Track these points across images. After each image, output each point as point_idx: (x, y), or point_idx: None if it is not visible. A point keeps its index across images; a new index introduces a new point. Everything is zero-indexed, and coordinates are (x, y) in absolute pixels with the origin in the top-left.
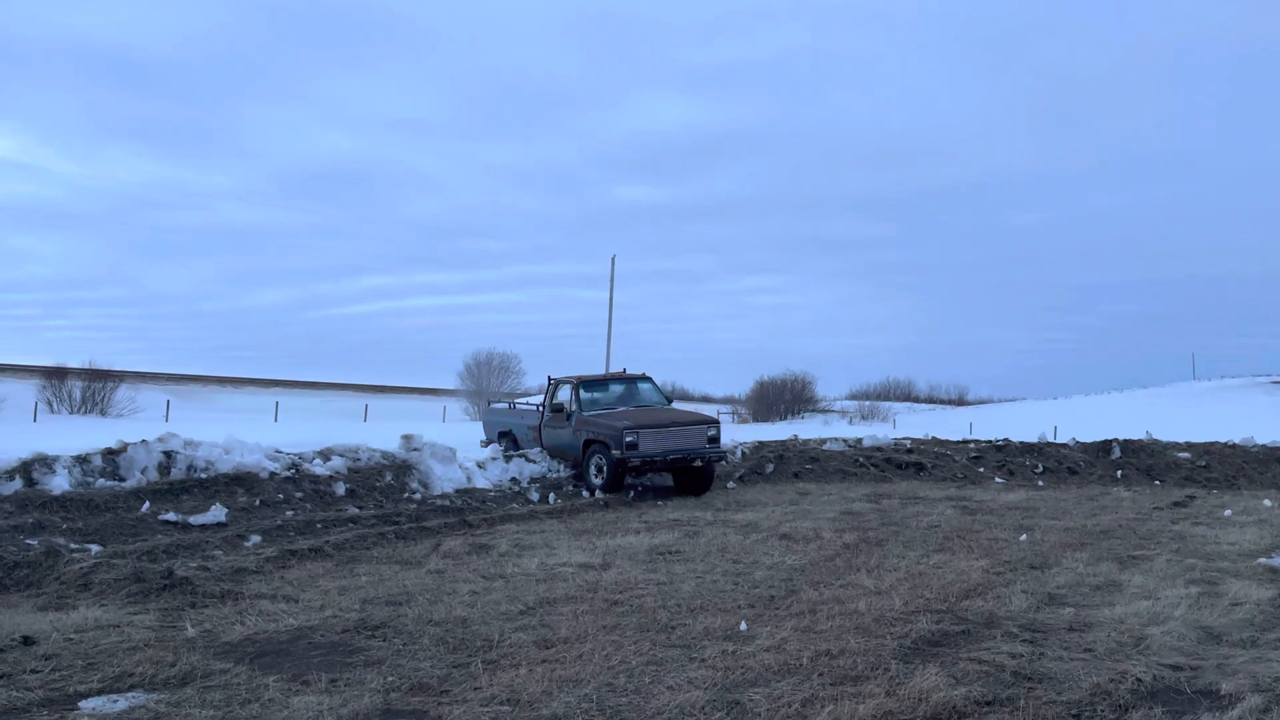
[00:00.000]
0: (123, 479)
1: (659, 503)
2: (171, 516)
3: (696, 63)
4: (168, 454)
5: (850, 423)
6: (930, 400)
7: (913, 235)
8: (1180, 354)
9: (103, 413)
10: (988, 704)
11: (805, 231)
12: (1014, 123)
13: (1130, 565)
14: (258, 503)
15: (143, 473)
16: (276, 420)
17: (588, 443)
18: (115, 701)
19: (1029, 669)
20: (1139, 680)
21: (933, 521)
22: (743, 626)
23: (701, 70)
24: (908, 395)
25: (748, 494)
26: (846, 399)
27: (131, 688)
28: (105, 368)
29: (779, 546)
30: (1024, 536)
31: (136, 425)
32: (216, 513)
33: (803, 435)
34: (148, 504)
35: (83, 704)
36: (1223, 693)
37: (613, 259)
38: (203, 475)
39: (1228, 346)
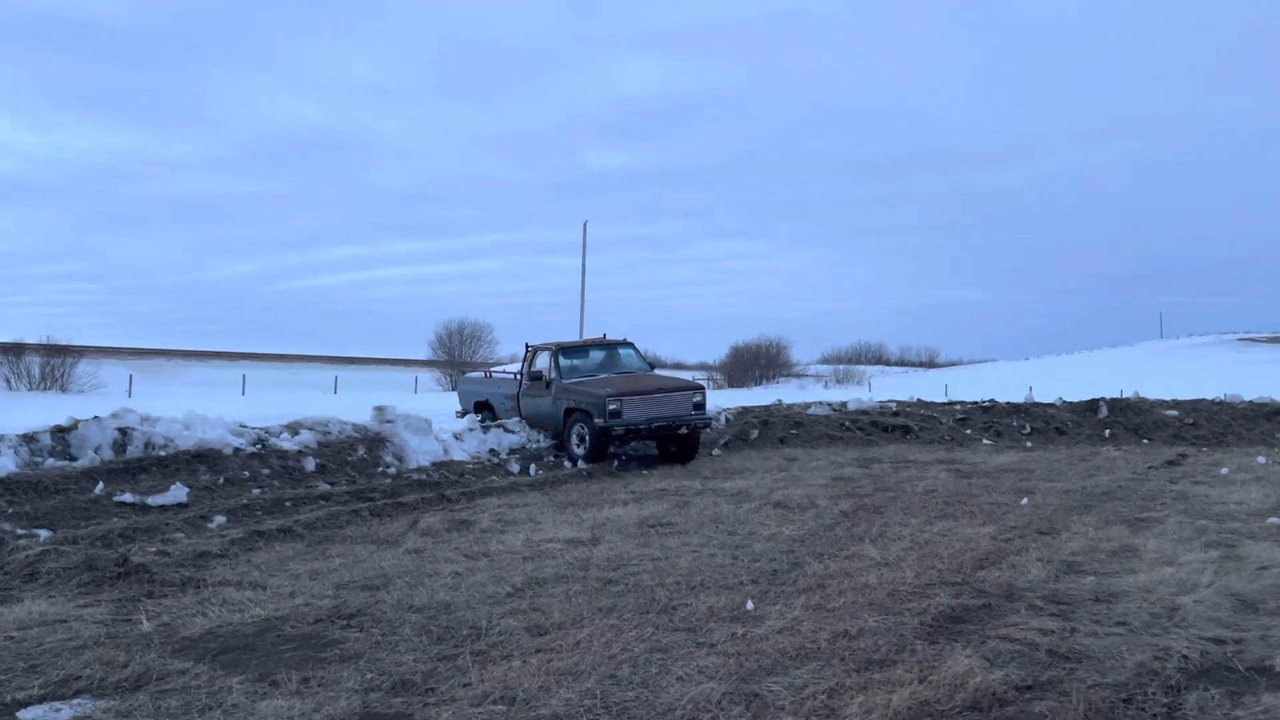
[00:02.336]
0: (74, 458)
1: (644, 472)
2: (128, 498)
3: (672, 24)
4: (123, 430)
5: (826, 386)
6: (902, 363)
7: (885, 198)
8: (1147, 313)
9: (62, 389)
10: (1029, 689)
11: (780, 195)
12: (987, 85)
13: (1141, 528)
14: (221, 481)
15: (96, 451)
16: (244, 394)
17: (569, 411)
18: (58, 710)
19: (1064, 647)
20: (1185, 658)
21: (928, 486)
22: (749, 605)
23: (677, 32)
24: (879, 359)
25: (734, 461)
26: (819, 363)
27: (78, 693)
28: (64, 342)
29: (774, 516)
30: (1025, 500)
31: (98, 401)
32: (177, 492)
33: (779, 400)
34: (102, 485)
35: (21, 714)
36: (1279, 669)
37: (584, 224)
38: (161, 453)
39: (1194, 305)
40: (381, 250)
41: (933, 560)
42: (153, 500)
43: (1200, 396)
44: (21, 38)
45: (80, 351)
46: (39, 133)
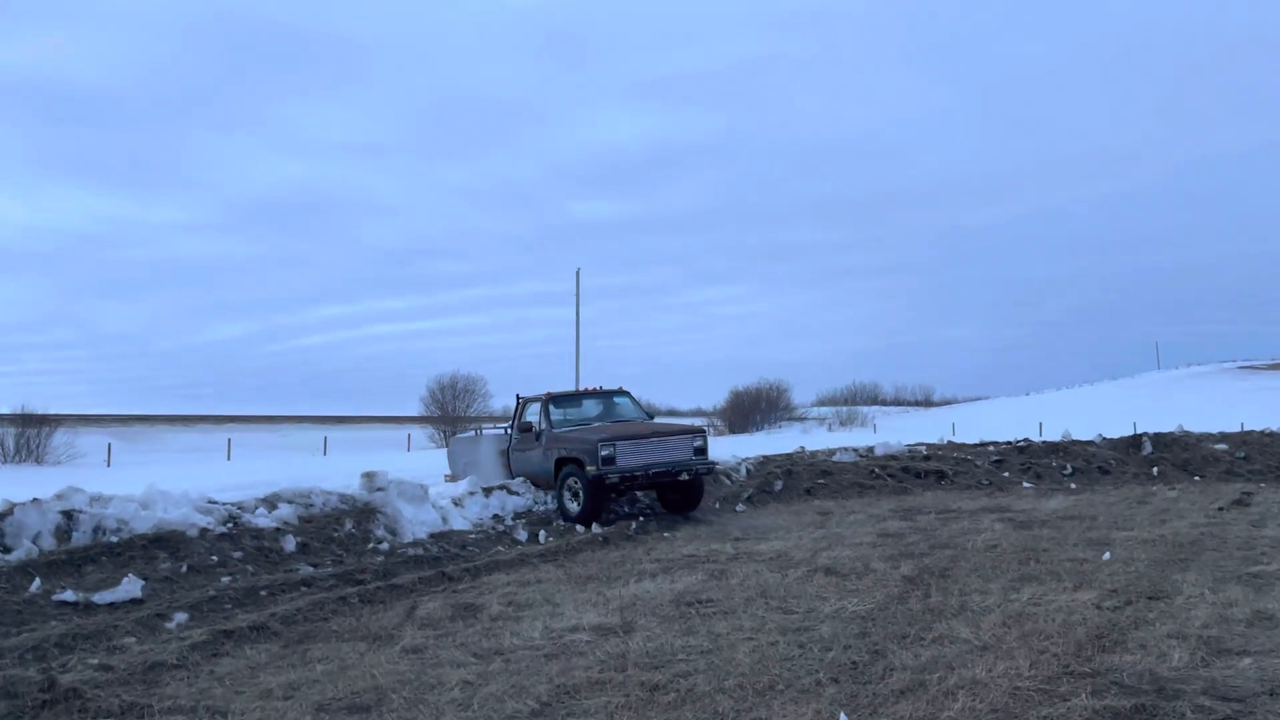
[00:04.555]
0: (9, 549)
1: (665, 535)
2: (69, 595)
3: (652, 75)
4: (67, 514)
5: (830, 430)
6: (898, 402)
7: (871, 238)
8: (1142, 344)
9: (38, 461)
10: None
11: (766, 239)
12: (967, 122)
13: (1262, 589)
14: (185, 569)
15: (34, 540)
16: (229, 459)
17: (560, 462)
18: None
19: None
20: None
21: (988, 540)
22: (842, 718)
23: (657, 82)
24: (875, 399)
25: (763, 517)
26: (816, 405)
27: None
28: (40, 412)
29: (829, 586)
30: (1107, 554)
31: (74, 473)
32: (129, 586)
33: (783, 445)
34: (39, 581)
35: None
36: None
37: (578, 271)
38: (113, 539)
39: (1189, 334)
40: (371, 308)
41: (1041, 640)
42: (100, 597)
43: (1210, 429)
44: (4, 106)
45: (57, 420)
46: (23, 201)
